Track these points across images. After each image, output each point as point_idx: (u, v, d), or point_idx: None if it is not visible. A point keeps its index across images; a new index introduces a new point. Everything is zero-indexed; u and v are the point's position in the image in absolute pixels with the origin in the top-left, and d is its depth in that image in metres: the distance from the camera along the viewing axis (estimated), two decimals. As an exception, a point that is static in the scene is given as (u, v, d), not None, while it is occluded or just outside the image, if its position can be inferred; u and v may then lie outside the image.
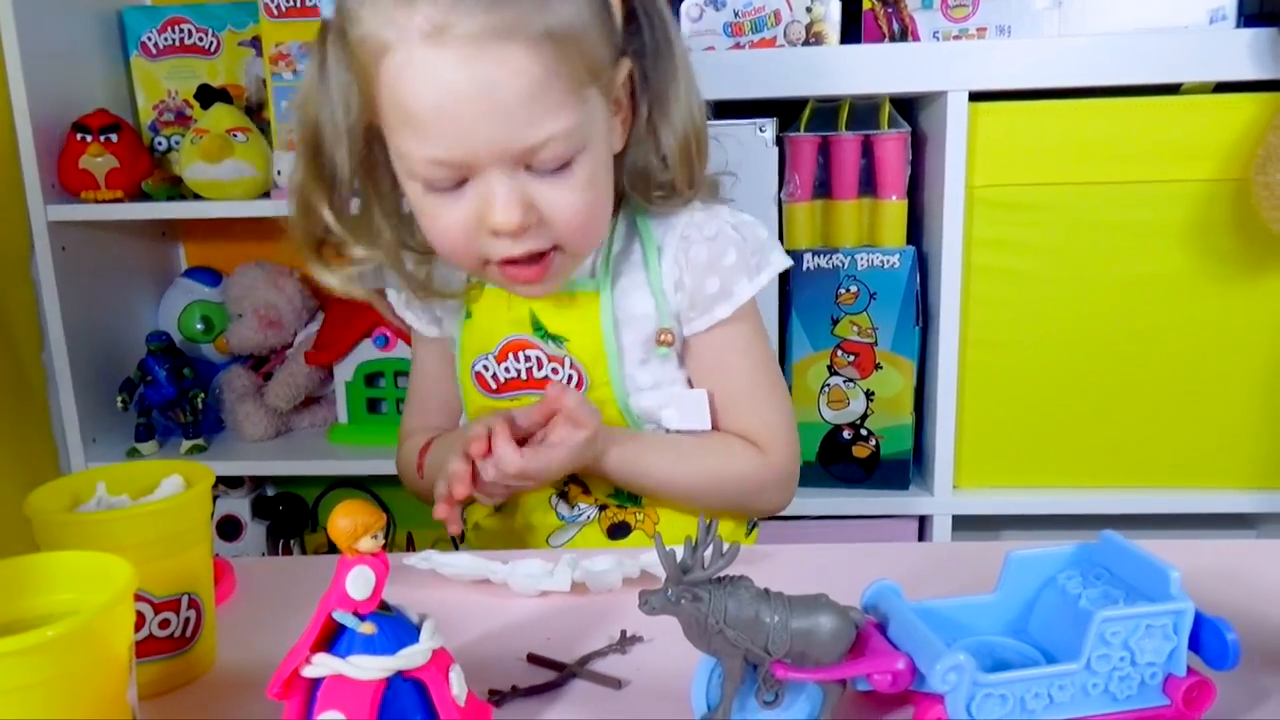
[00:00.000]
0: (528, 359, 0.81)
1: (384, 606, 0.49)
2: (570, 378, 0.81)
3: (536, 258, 0.71)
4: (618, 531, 0.82)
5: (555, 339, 0.80)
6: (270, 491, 1.71)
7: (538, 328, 0.81)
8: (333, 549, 1.64)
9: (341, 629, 0.48)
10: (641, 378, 0.81)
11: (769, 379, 0.84)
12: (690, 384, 0.84)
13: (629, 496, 0.83)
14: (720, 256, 0.80)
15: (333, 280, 0.75)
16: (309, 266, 0.76)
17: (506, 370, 0.82)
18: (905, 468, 1.37)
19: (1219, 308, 1.28)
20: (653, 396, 0.81)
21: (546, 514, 0.83)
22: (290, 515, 1.66)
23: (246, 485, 1.64)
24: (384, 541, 0.49)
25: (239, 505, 1.61)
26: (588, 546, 0.83)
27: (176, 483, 0.60)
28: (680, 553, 0.49)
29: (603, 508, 0.82)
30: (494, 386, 0.83)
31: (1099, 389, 1.32)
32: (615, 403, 0.80)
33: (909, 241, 1.34)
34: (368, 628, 0.48)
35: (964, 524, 1.40)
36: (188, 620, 0.58)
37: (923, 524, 1.40)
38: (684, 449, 0.81)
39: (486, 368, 0.83)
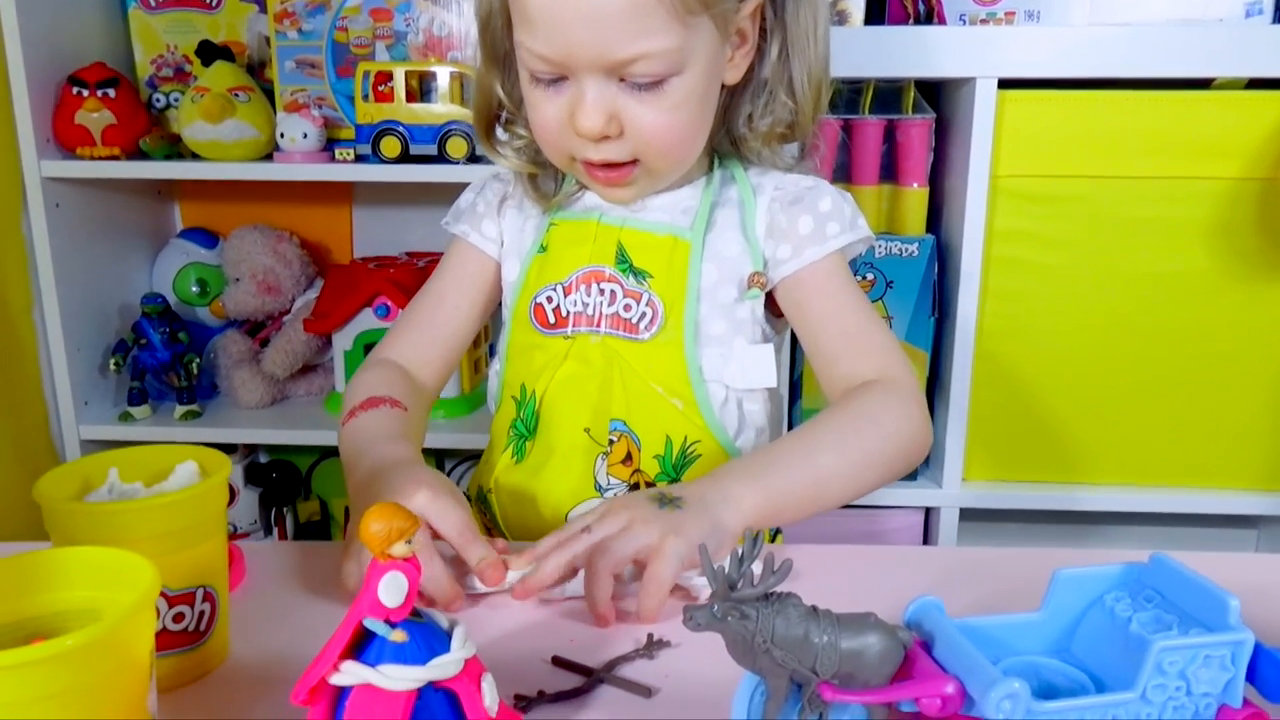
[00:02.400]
0: (603, 292, 0.80)
1: (414, 613, 0.47)
2: (645, 315, 0.79)
3: (615, 166, 0.75)
4: None
5: (640, 274, 0.80)
6: (263, 459, 1.69)
7: (622, 260, 0.80)
8: (325, 516, 1.62)
9: (372, 636, 0.46)
10: (714, 326, 0.79)
11: (873, 310, 0.82)
12: (766, 338, 0.82)
13: (661, 479, 0.80)
14: (816, 202, 0.81)
15: (507, 156, 0.83)
16: (486, 150, 0.84)
17: (574, 304, 0.81)
18: (914, 459, 1.36)
19: (1241, 308, 1.27)
20: (718, 351, 0.79)
21: (582, 477, 0.80)
22: (283, 483, 1.65)
23: (240, 452, 1.62)
24: (417, 544, 0.47)
25: (232, 472, 1.59)
26: None
27: (192, 470, 0.58)
28: (727, 567, 0.47)
29: (633, 487, 0.80)
30: (552, 321, 0.81)
31: (1113, 386, 1.31)
32: (681, 351, 0.78)
33: (928, 230, 1.33)
34: (399, 635, 0.46)
35: (970, 517, 1.40)
36: (202, 614, 0.56)
37: (929, 516, 1.40)
38: (814, 435, 0.72)
39: (551, 299, 0.81)
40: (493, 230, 0.87)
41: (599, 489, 0.80)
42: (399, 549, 0.46)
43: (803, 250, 0.80)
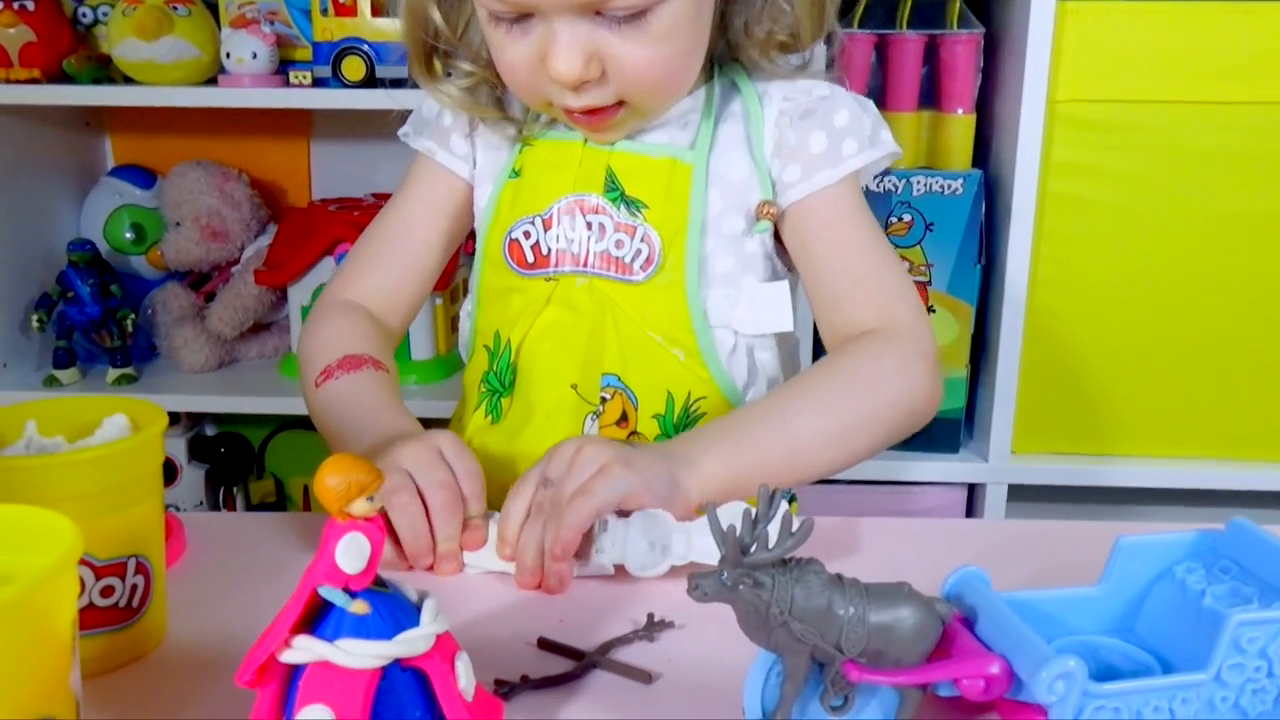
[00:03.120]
0: (590, 225, 0.79)
1: (379, 582, 0.47)
2: (639, 252, 0.78)
3: (599, 110, 0.74)
4: None
5: (632, 204, 0.79)
6: (210, 431, 1.69)
7: (612, 188, 0.79)
8: (281, 497, 1.62)
9: (329, 607, 0.46)
10: (719, 263, 0.78)
11: (887, 248, 0.81)
12: (777, 274, 0.81)
13: (661, 440, 0.79)
14: (830, 115, 0.79)
15: (449, 92, 0.80)
16: (421, 82, 0.81)
17: (556, 239, 0.79)
18: (956, 429, 1.37)
19: (1334, 254, 1.27)
20: (725, 292, 0.79)
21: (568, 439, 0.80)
22: (233, 459, 1.65)
23: (183, 423, 1.62)
24: (379, 503, 0.46)
25: (174, 446, 1.60)
26: None
27: (121, 424, 0.58)
28: (739, 528, 0.46)
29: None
30: (531, 260, 0.80)
31: (1186, 345, 1.30)
32: (682, 293, 0.78)
33: (975, 164, 1.32)
34: (360, 606, 0.45)
35: (1020, 495, 1.39)
36: (134, 587, 0.56)
37: (972, 494, 1.40)
38: (794, 395, 0.73)
39: (529, 234, 0.80)
40: (463, 147, 0.85)
41: None
42: (359, 507, 0.45)
43: (814, 173, 0.79)
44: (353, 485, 0.45)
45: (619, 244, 0.79)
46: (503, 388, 0.82)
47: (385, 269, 0.85)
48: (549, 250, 0.80)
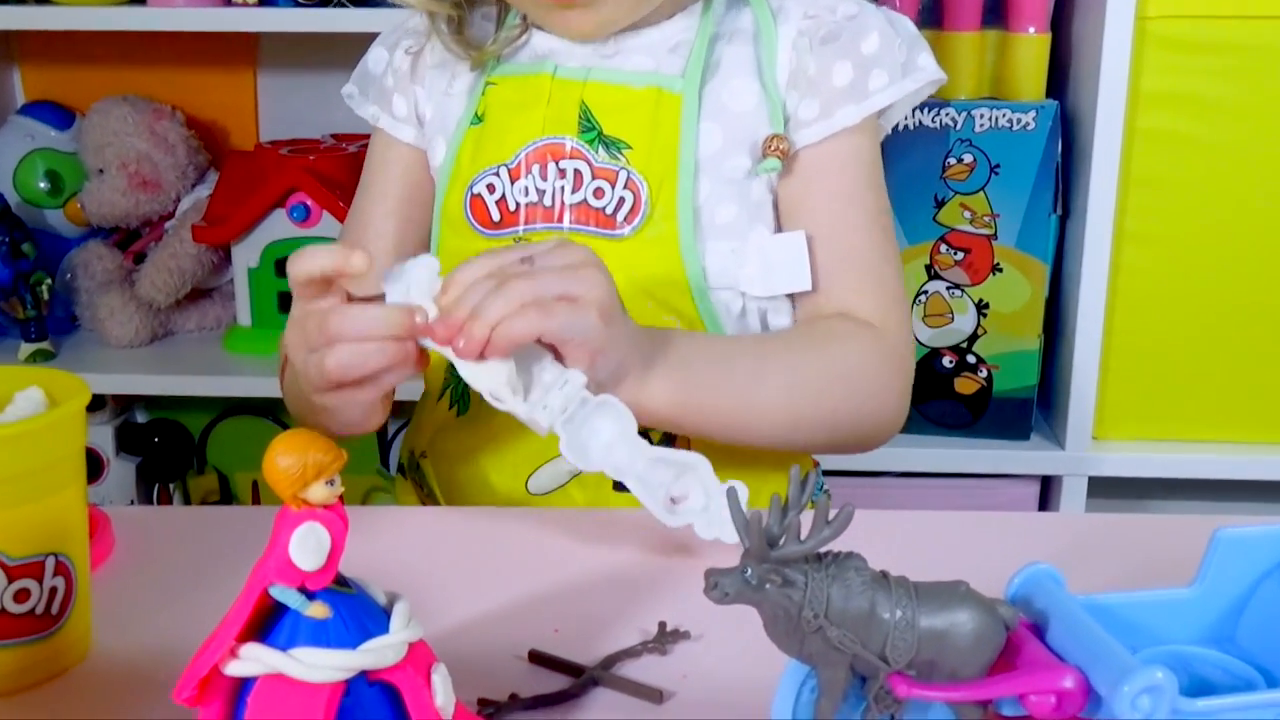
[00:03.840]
0: (562, 173, 0.80)
1: (341, 581, 0.48)
2: (623, 201, 0.79)
3: None
4: None
5: (612, 144, 0.79)
6: (141, 417, 1.70)
7: (589, 128, 0.80)
8: (226, 495, 1.62)
9: (282, 611, 0.46)
10: (720, 212, 0.79)
11: (892, 234, 0.83)
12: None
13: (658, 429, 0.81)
14: (858, 39, 0.80)
15: None
16: None
17: (524, 192, 0.80)
18: (1027, 410, 1.37)
19: None
20: (728, 246, 0.79)
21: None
22: (168, 450, 1.66)
23: (109, 408, 1.64)
24: (343, 489, 0.47)
25: (99, 435, 1.61)
26: (580, 504, 0.81)
27: (35, 399, 0.58)
28: (765, 516, 0.47)
29: None
30: (496, 218, 0.81)
31: (1302, 309, 1.31)
32: (676, 248, 0.78)
33: (1049, 94, 1.32)
34: (319, 610, 0.46)
35: (1103, 489, 1.40)
36: (54, 591, 0.57)
37: (1046, 487, 1.40)
38: (771, 343, 0.77)
39: (493, 187, 0.81)
40: (404, 107, 0.87)
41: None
42: (317, 492, 0.46)
43: (834, 110, 0.79)
44: (309, 466, 0.46)
45: (598, 193, 0.79)
46: None
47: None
48: (517, 205, 0.81)
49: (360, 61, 0.92)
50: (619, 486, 0.80)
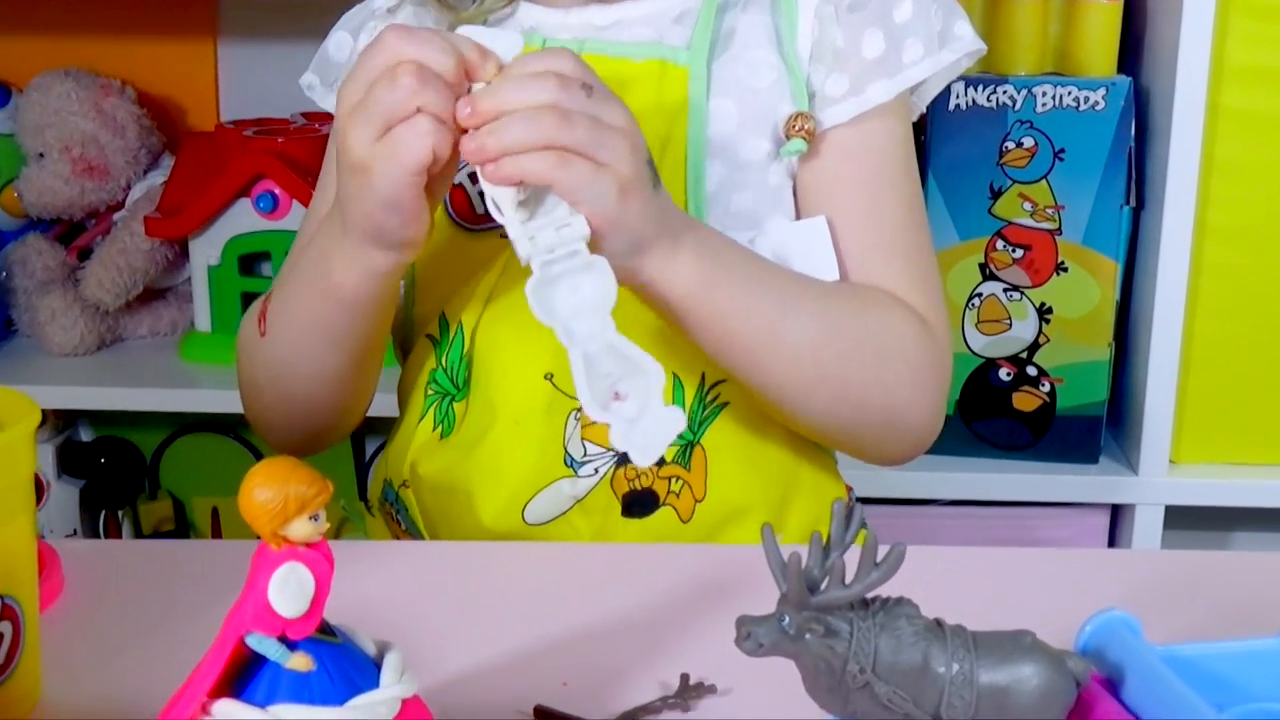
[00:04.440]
0: None
1: (325, 629, 0.48)
2: None
3: None
4: (638, 505, 0.82)
5: None
6: (86, 435, 1.71)
7: None
8: (181, 523, 1.62)
9: (260, 662, 0.47)
10: (736, 198, 0.80)
11: (924, 216, 0.85)
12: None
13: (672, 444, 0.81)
14: (889, 6, 0.81)
15: None
16: None
17: None
18: (1096, 430, 1.37)
19: None
20: (745, 237, 0.80)
21: (544, 448, 0.82)
22: (117, 472, 1.67)
23: (51, 424, 1.64)
24: (327, 525, 0.48)
25: (40, 454, 1.61)
26: (582, 539, 0.82)
27: (-22, 420, 0.59)
28: (805, 556, 0.48)
29: (623, 458, 0.81)
30: (480, 210, 0.82)
31: None
32: None
33: (1122, 69, 1.32)
34: (301, 661, 0.47)
35: (1182, 519, 1.40)
36: (0, 637, 0.57)
37: (1117, 517, 1.41)
38: (809, 282, 0.79)
39: (476, 176, 0.81)
40: None
41: (570, 464, 0.81)
42: (299, 528, 0.47)
43: (865, 86, 0.80)
44: (290, 500, 0.46)
45: None
46: (456, 388, 0.84)
47: None
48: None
49: (320, 48, 0.93)
50: (627, 512, 0.82)
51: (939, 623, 0.49)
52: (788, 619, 0.47)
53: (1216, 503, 1.37)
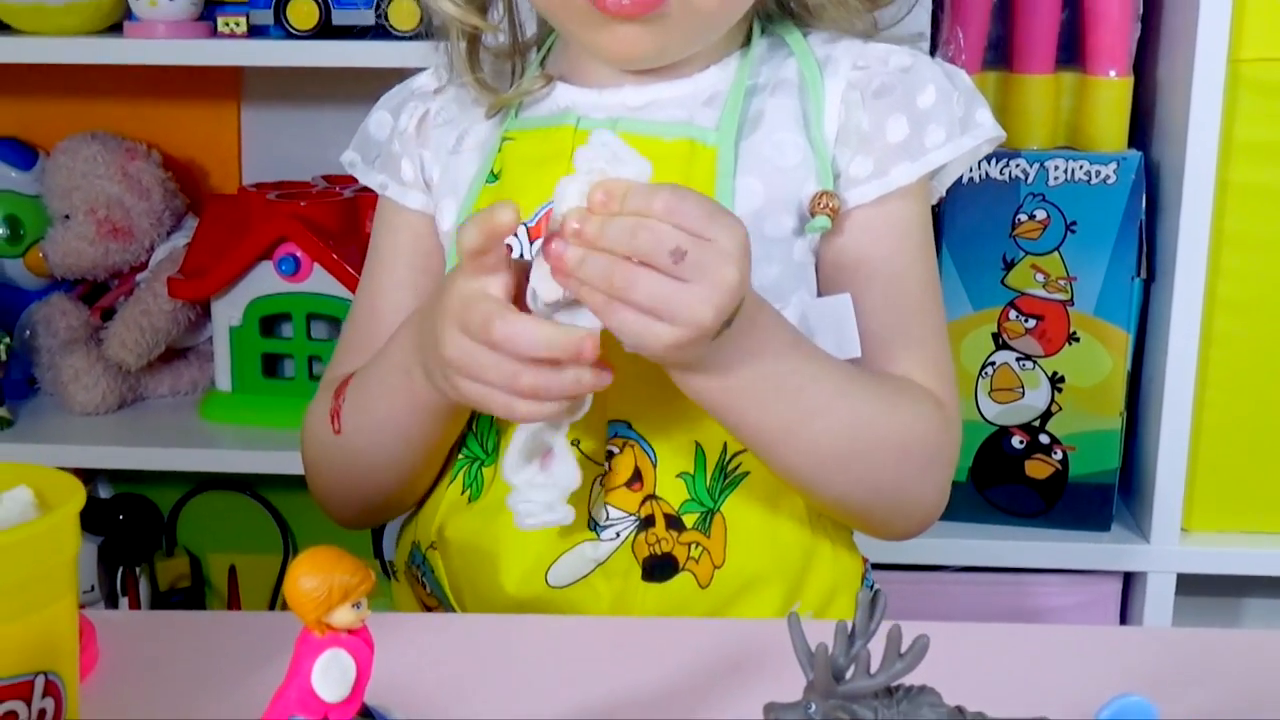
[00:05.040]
0: None
1: (365, 713, 0.50)
2: None
3: None
4: (658, 569, 0.83)
5: None
6: (105, 492, 1.72)
7: None
8: (198, 580, 1.61)
9: (302, 747, 0.48)
10: (761, 272, 0.81)
11: (938, 300, 0.86)
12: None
13: (691, 509, 0.83)
14: (913, 93, 0.83)
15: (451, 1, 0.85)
16: None
17: None
18: (1108, 498, 1.38)
19: None
20: None
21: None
22: (135, 529, 1.67)
23: (70, 482, 1.65)
24: (368, 610, 0.49)
25: (58, 512, 1.62)
26: (603, 602, 0.83)
27: (24, 501, 0.60)
28: (832, 644, 0.49)
29: (644, 523, 0.83)
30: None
31: None
32: None
33: (1132, 144, 1.34)
34: (342, 745, 0.48)
35: (1194, 586, 1.41)
36: (43, 713, 0.58)
37: (1129, 585, 1.41)
38: (840, 376, 0.79)
39: (510, 248, 0.83)
40: (410, 171, 0.91)
41: (593, 527, 0.83)
42: (343, 616, 0.48)
43: (889, 168, 0.82)
44: (335, 589, 0.48)
45: None
46: (485, 454, 0.85)
47: (371, 338, 0.90)
48: None
49: (360, 127, 0.95)
50: (647, 576, 0.83)
51: (960, 710, 0.50)
52: (814, 707, 0.48)
53: (1228, 571, 1.38)
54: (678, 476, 0.82)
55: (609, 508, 0.83)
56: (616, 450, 0.83)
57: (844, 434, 0.78)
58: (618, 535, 0.83)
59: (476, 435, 0.86)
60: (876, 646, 0.49)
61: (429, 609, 0.90)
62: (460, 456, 0.87)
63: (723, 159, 0.82)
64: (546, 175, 0.83)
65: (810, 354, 0.78)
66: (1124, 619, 1.41)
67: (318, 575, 0.48)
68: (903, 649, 0.49)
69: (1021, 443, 1.38)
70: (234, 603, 1.67)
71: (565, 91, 0.87)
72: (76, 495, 0.59)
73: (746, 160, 0.83)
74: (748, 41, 0.86)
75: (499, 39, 0.90)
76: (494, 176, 0.86)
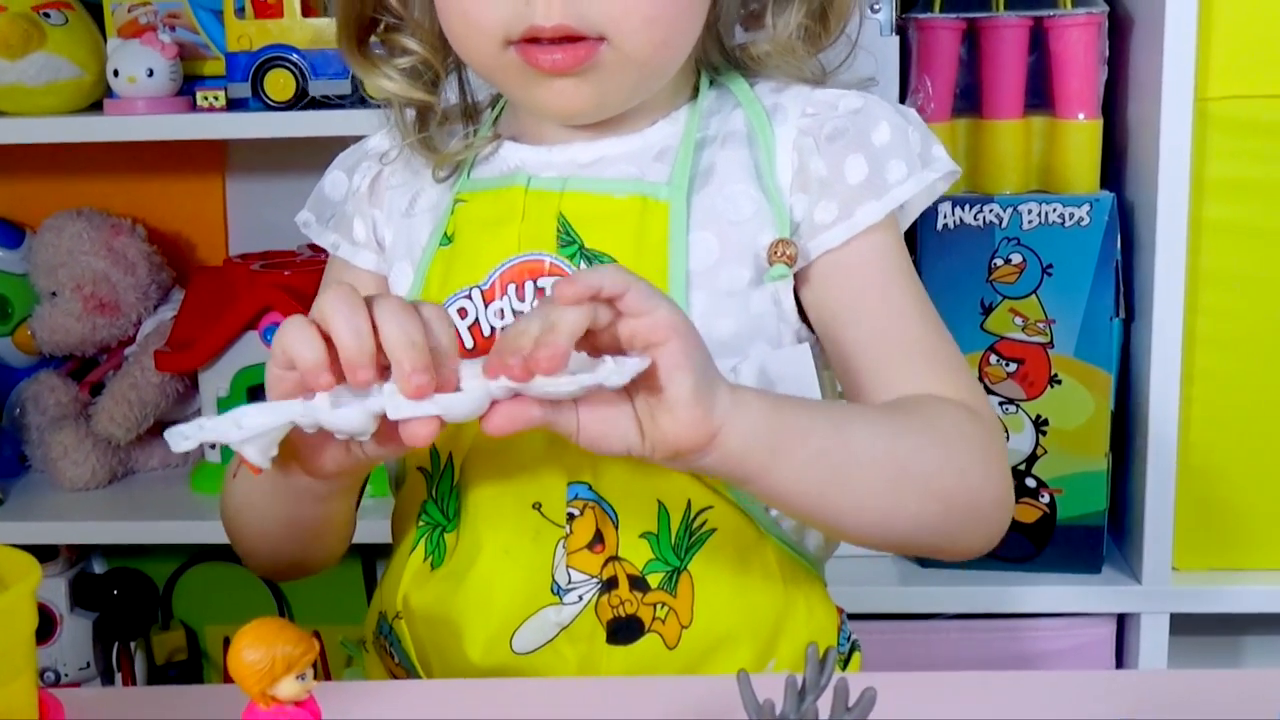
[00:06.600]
0: (541, 292, 0.82)
1: (314, 784, 0.50)
2: None
3: (572, 41, 0.78)
4: (623, 631, 0.83)
5: (595, 258, 0.82)
6: (99, 567, 1.72)
7: (569, 242, 0.82)
8: (195, 653, 1.61)
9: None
10: (718, 326, 0.81)
11: (934, 314, 0.85)
12: (798, 337, 0.84)
13: (656, 568, 0.82)
14: (867, 131, 0.83)
15: (388, 74, 0.87)
16: (352, 63, 0.88)
17: (500, 314, 0.83)
18: (1097, 539, 1.38)
19: None
20: (727, 365, 0.80)
21: (531, 577, 0.83)
22: (130, 604, 1.68)
23: (63, 558, 1.65)
24: (314, 680, 0.49)
25: (52, 588, 1.62)
26: (569, 667, 0.82)
27: (-18, 578, 0.61)
28: (782, 699, 0.49)
29: (608, 585, 0.82)
30: (470, 345, 0.84)
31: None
32: None
33: (1105, 185, 1.35)
34: (290, 815, 0.48)
35: (1188, 625, 1.40)
36: (3, 794, 0.59)
37: (1123, 627, 1.40)
38: (859, 406, 0.79)
39: (465, 311, 0.84)
40: (363, 231, 0.91)
41: (556, 591, 0.82)
42: (287, 688, 0.49)
43: (854, 209, 0.82)
44: (278, 660, 0.48)
45: None
46: (446, 519, 0.85)
47: None
48: (492, 330, 0.83)
49: (316, 187, 0.96)
50: (612, 639, 0.82)
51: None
52: (759, 762, 0.49)
53: (1220, 609, 1.37)
54: (641, 536, 0.82)
55: (571, 570, 0.82)
56: (577, 512, 0.82)
57: (885, 435, 0.76)
58: (580, 598, 0.82)
59: (436, 501, 0.85)
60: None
61: (398, 680, 0.90)
62: (421, 524, 0.86)
63: (675, 214, 0.82)
64: (499, 236, 0.84)
65: (812, 407, 0.78)
66: (1119, 661, 1.41)
67: (260, 647, 0.48)
68: (850, 702, 0.49)
69: (1008, 487, 1.37)
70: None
71: (515, 150, 0.87)
72: (32, 573, 0.60)
73: (699, 214, 0.83)
74: (695, 94, 0.87)
75: (450, 101, 0.91)
76: (447, 239, 0.86)
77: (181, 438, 0.65)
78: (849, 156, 0.83)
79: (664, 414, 0.66)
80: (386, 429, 0.66)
